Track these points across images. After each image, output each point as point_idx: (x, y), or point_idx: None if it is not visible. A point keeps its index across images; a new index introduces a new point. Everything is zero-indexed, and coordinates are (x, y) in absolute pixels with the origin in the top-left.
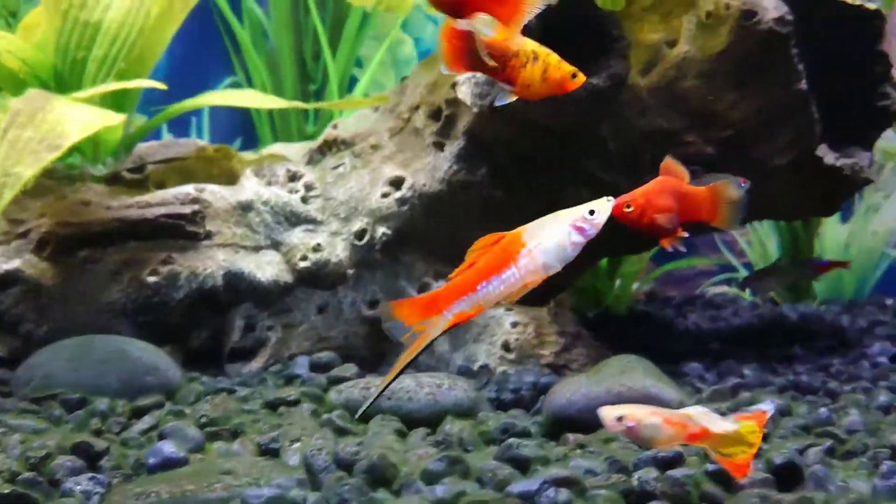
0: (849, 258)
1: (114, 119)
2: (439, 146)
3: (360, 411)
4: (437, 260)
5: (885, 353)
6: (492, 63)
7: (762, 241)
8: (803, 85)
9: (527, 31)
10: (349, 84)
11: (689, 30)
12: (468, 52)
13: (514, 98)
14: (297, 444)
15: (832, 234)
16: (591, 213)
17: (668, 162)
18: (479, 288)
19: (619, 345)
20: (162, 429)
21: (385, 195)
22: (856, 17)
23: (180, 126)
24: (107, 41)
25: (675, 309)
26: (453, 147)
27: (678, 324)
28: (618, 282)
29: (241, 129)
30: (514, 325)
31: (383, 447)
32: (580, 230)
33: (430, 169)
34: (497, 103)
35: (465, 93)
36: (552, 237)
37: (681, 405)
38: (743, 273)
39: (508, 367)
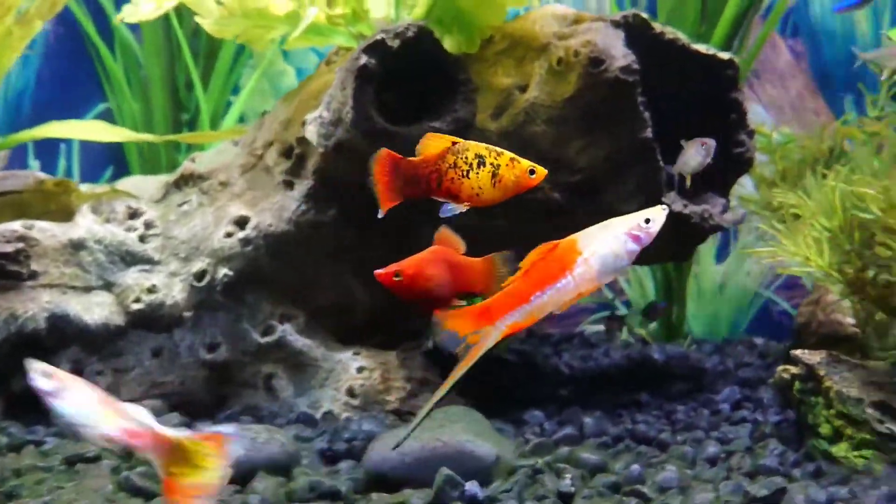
0: (724, 298)
1: None
2: (289, 185)
3: (401, 439)
4: (285, 302)
5: (730, 400)
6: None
7: (640, 280)
8: (649, 133)
9: (365, 72)
10: (226, 113)
11: (541, 75)
12: (400, 183)
13: (465, 209)
14: None
15: (707, 275)
16: (647, 221)
17: (444, 232)
18: (532, 298)
19: (475, 389)
20: None
21: (228, 235)
22: (711, 66)
23: (50, 152)
24: None
25: (553, 347)
26: (303, 187)
27: (545, 364)
28: None
29: (112, 158)
30: (360, 370)
31: None
32: (636, 238)
33: (277, 208)
34: (442, 214)
35: (311, 133)
36: (608, 245)
37: (497, 461)
38: (622, 311)
39: (353, 414)
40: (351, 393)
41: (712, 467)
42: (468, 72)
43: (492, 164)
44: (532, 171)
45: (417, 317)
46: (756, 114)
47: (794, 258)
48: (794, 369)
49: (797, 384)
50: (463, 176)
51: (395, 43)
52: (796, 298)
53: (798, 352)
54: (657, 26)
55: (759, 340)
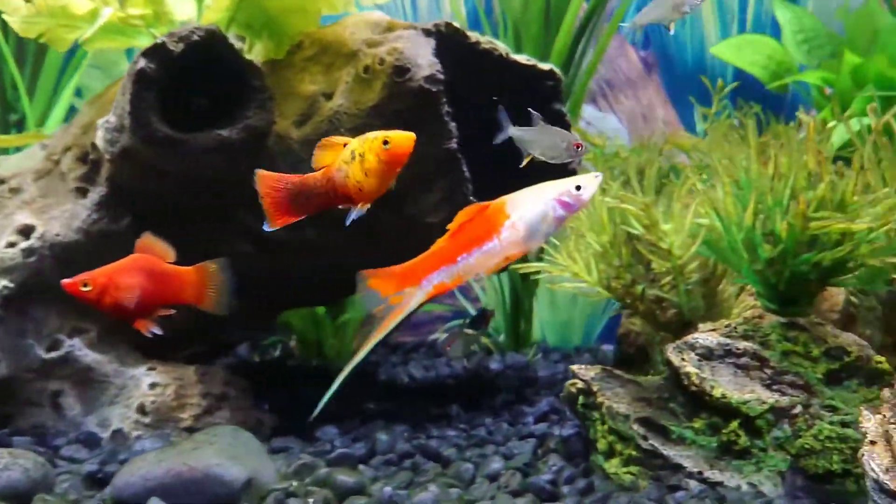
0: (577, 307)
1: None
2: (82, 192)
3: (317, 409)
4: (75, 315)
5: (538, 412)
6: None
7: (496, 288)
8: (454, 144)
9: (144, 76)
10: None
11: (347, 83)
12: (290, 201)
13: (365, 208)
14: None
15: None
16: (578, 188)
17: (146, 239)
18: (459, 259)
19: (286, 403)
20: None
21: (10, 245)
22: (531, 77)
23: None
24: None
25: (403, 355)
26: (95, 194)
27: (383, 375)
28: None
29: None
30: (153, 385)
31: None
32: (565, 205)
33: (67, 217)
34: (349, 221)
35: (99, 138)
36: (535, 210)
37: (248, 485)
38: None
39: (144, 432)
40: (142, 410)
41: (490, 483)
42: (263, 78)
43: (358, 154)
44: (385, 142)
45: (235, 329)
46: (610, 124)
47: (564, 274)
48: (579, 384)
49: (581, 398)
50: (346, 177)
51: (179, 47)
52: None
53: (576, 367)
54: (472, 35)
55: (607, 348)
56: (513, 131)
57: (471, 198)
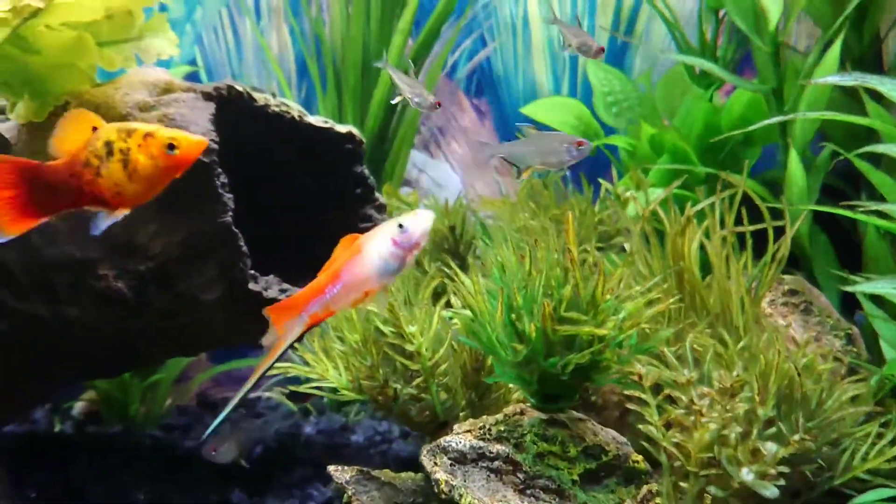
0: None
1: None
2: None
3: (208, 431)
4: None
5: (327, 494)
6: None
7: None
8: (229, 217)
9: None
10: None
11: None
12: (28, 193)
13: (121, 215)
14: None
15: None
16: (400, 226)
17: None
18: (326, 290)
19: (53, 487)
20: None
21: None
22: (330, 140)
23: None
24: None
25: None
26: None
27: (185, 445)
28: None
29: None
30: None
31: None
32: (395, 243)
33: None
34: (93, 232)
35: None
36: (376, 247)
37: None
38: None
39: None
40: None
41: None
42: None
43: (120, 149)
44: (172, 146)
45: (13, 403)
46: (444, 172)
47: (312, 375)
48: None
49: (344, 497)
50: (97, 174)
51: None
52: None
53: (332, 468)
54: (260, 98)
55: None
56: (504, 149)
57: (250, 272)
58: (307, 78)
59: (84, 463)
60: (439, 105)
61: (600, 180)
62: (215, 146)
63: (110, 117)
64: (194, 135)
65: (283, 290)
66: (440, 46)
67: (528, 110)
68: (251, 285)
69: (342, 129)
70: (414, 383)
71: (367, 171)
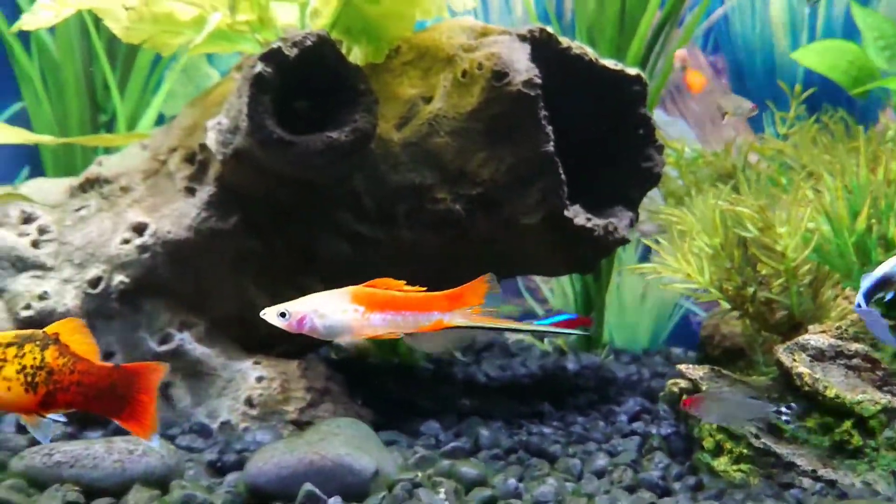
0: (644, 309)
1: None
2: (190, 192)
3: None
4: (184, 310)
5: (630, 411)
6: None
7: (564, 289)
8: (551, 147)
9: (261, 80)
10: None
11: (445, 87)
12: None
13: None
14: None
15: (629, 286)
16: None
17: None
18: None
19: (378, 400)
20: None
21: (125, 241)
22: (618, 81)
23: None
24: None
25: (475, 355)
26: (203, 194)
27: (461, 374)
28: None
29: (28, 159)
30: (260, 379)
31: None
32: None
33: (178, 215)
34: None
35: (211, 139)
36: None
37: (376, 475)
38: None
39: (251, 424)
40: (249, 403)
41: (599, 480)
42: (368, 82)
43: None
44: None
45: None
46: (679, 128)
47: (676, 275)
48: (682, 383)
49: (686, 398)
50: None
51: (293, 52)
52: (715, 310)
53: (682, 366)
54: (564, 41)
55: (677, 351)
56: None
57: (566, 200)
58: None
59: (400, 380)
60: (755, 109)
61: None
62: (538, 81)
63: (439, 58)
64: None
65: (588, 219)
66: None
67: (798, 55)
68: (566, 212)
69: (632, 71)
70: (776, 283)
71: (649, 113)
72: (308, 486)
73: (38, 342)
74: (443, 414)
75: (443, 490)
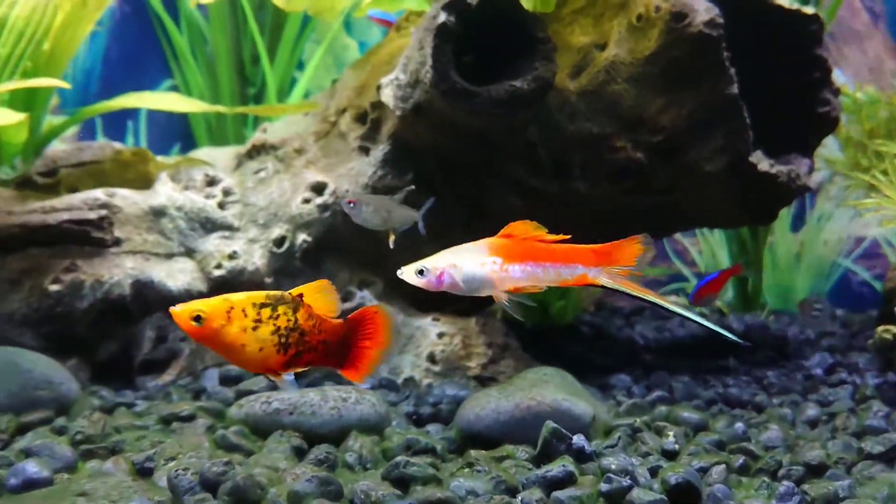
0: (800, 268)
1: (12, 118)
2: (364, 151)
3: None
4: (363, 268)
5: (822, 365)
6: None
7: (713, 251)
8: (734, 89)
9: (444, 30)
10: (291, 87)
11: (620, 33)
12: None
13: None
14: (172, 463)
15: (783, 244)
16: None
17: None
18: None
19: (552, 356)
20: (29, 446)
21: (306, 201)
22: (794, 22)
23: (117, 129)
24: (11, 39)
25: (623, 319)
26: (378, 152)
27: (620, 334)
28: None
29: (179, 133)
30: (441, 335)
31: (266, 466)
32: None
33: (354, 174)
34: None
35: (387, 96)
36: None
37: (594, 420)
38: (694, 282)
39: (434, 380)
40: (432, 359)
41: (813, 429)
42: (546, 30)
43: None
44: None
45: None
46: (833, 75)
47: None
48: (894, 329)
49: None
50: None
51: (474, 0)
52: (878, 268)
53: (881, 328)
54: None
55: (839, 311)
56: None
57: (751, 145)
58: None
59: (568, 340)
60: None
61: None
62: (720, 20)
63: (611, 4)
64: None
65: (771, 165)
66: None
67: None
68: (750, 157)
69: (808, 10)
70: None
71: (825, 54)
72: (551, 424)
73: (289, 304)
74: (623, 370)
75: (672, 433)
